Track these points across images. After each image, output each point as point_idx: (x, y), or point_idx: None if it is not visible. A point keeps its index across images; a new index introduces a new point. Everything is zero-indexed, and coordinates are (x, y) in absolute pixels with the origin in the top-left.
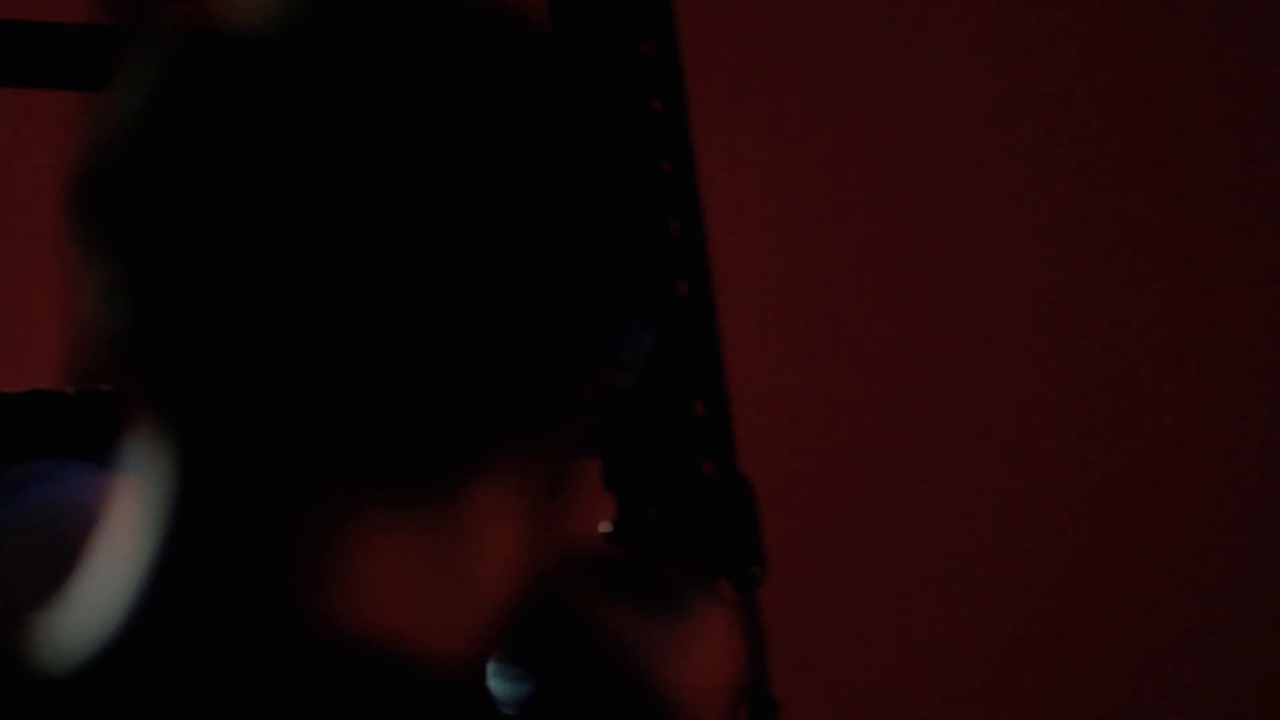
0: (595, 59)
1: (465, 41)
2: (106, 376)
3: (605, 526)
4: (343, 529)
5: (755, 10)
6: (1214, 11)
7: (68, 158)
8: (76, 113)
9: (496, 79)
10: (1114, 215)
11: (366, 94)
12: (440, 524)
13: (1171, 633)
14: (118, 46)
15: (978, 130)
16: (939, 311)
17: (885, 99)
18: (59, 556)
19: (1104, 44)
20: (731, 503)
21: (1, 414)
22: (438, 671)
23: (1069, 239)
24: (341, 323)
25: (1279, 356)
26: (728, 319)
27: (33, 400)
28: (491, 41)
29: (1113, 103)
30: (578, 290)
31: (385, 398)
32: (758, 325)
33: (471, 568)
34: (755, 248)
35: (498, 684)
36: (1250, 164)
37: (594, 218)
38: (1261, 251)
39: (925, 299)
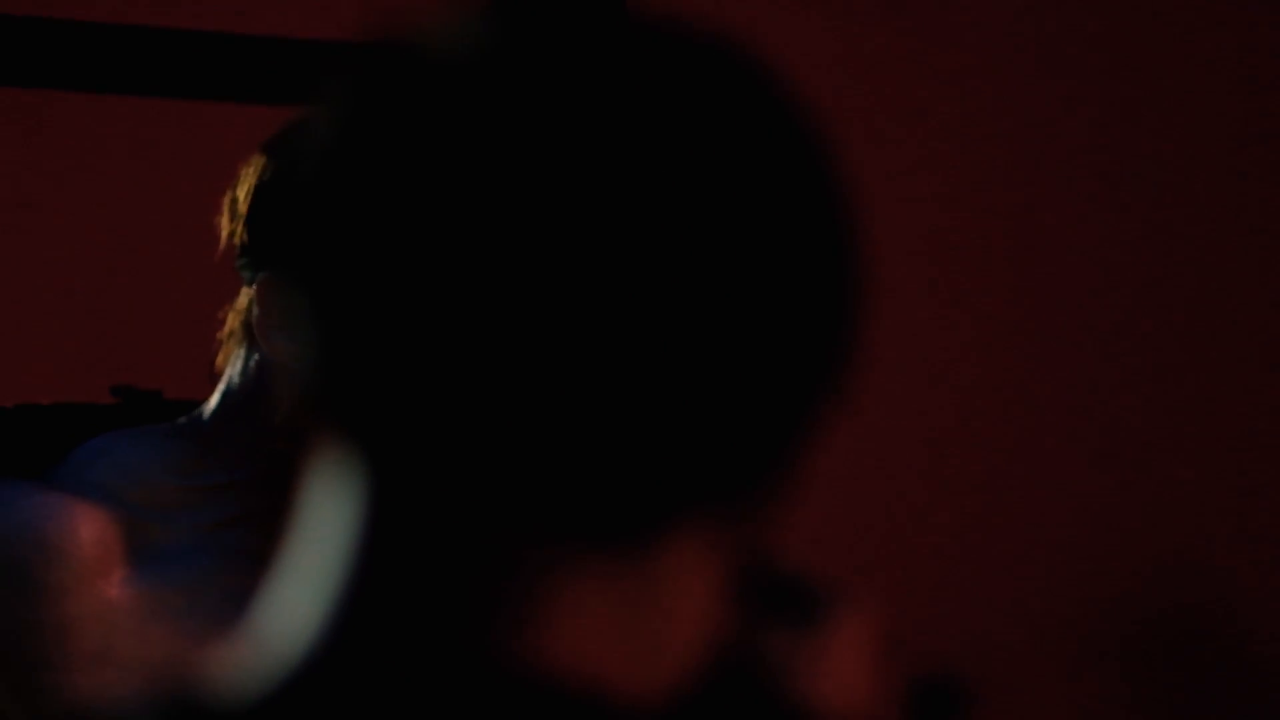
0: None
1: (662, 75)
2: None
3: None
4: (545, 574)
5: None
6: None
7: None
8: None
9: (712, 112)
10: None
11: (570, 127)
12: (638, 571)
13: None
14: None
15: None
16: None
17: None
18: (9, 583)
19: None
20: None
21: None
22: (631, 714)
23: None
24: (557, 372)
25: None
26: None
27: None
28: (697, 74)
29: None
30: (795, 348)
31: (599, 450)
32: None
33: (666, 614)
34: None
35: None
36: None
37: (815, 269)
38: None
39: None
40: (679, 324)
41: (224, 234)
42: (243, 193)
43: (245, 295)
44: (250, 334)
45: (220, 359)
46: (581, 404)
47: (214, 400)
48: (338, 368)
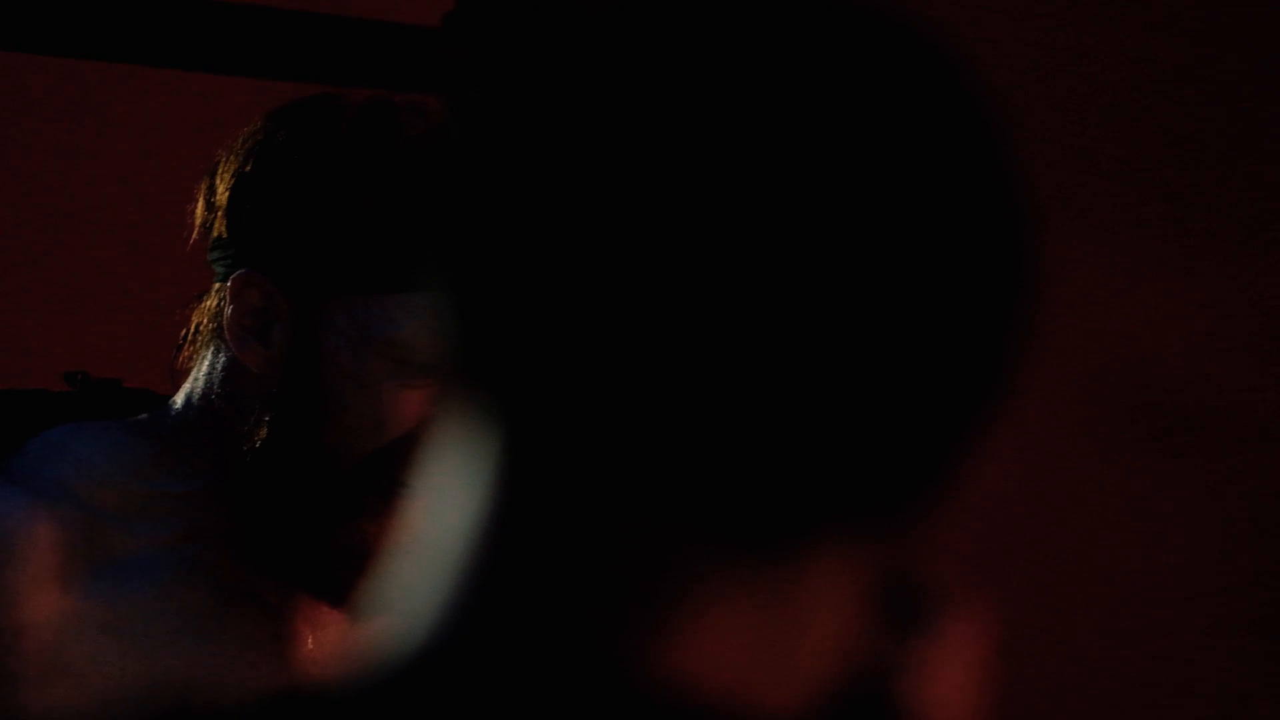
0: None
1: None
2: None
3: None
4: (686, 580)
5: None
6: None
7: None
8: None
9: (895, 103)
10: None
11: (737, 101)
12: (779, 582)
13: None
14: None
15: None
16: None
17: None
18: None
19: None
20: None
21: None
22: None
23: None
24: (712, 371)
25: None
26: None
27: None
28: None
29: None
30: (962, 354)
31: (751, 454)
32: None
33: (804, 627)
34: None
35: None
36: None
37: (985, 270)
38: None
39: None
40: (844, 325)
41: (196, 223)
42: (222, 181)
43: (215, 292)
44: (218, 334)
45: (183, 358)
46: (736, 405)
47: (179, 401)
48: (482, 355)
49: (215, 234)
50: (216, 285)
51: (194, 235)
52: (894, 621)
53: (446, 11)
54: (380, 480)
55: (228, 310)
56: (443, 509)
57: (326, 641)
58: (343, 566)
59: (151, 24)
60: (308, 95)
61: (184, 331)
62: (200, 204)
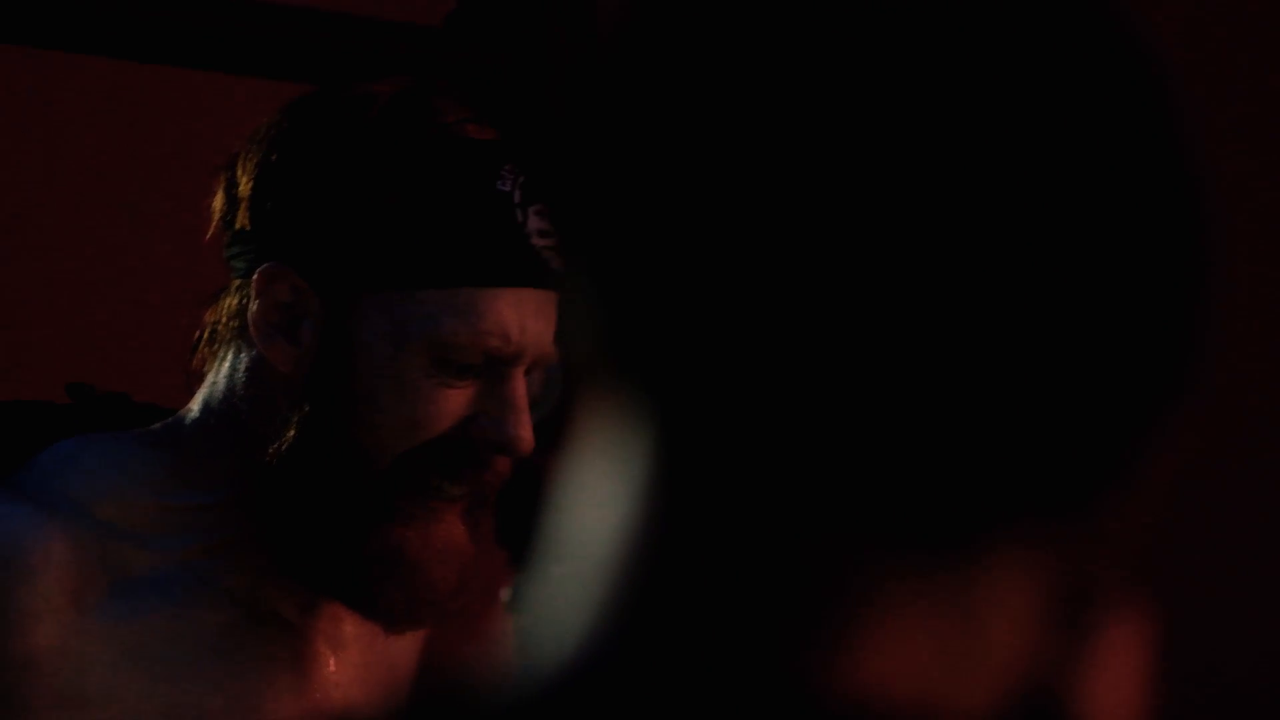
0: None
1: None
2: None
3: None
4: (864, 587)
5: None
6: None
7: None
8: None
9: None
10: None
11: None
12: (963, 585)
13: None
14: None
15: None
16: None
17: None
18: None
19: None
20: None
21: None
22: None
23: None
24: (891, 363)
25: None
26: None
27: None
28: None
29: None
30: (1145, 348)
31: (933, 450)
32: None
33: (985, 630)
34: None
35: None
36: None
37: (1170, 262)
38: None
39: None
40: (1026, 321)
41: (215, 217)
42: (245, 173)
43: (236, 290)
44: (240, 333)
45: (198, 360)
46: (914, 402)
47: (194, 408)
48: (637, 347)
49: (238, 227)
50: (237, 282)
51: (212, 229)
52: (1068, 622)
53: (449, 12)
54: (414, 483)
55: (253, 306)
56: (596, 511)
57: (348, 662)
58: (376, 574)
59: (152, 20)
60: (330, 86)
61: (198, 333)
62: (220, 196)
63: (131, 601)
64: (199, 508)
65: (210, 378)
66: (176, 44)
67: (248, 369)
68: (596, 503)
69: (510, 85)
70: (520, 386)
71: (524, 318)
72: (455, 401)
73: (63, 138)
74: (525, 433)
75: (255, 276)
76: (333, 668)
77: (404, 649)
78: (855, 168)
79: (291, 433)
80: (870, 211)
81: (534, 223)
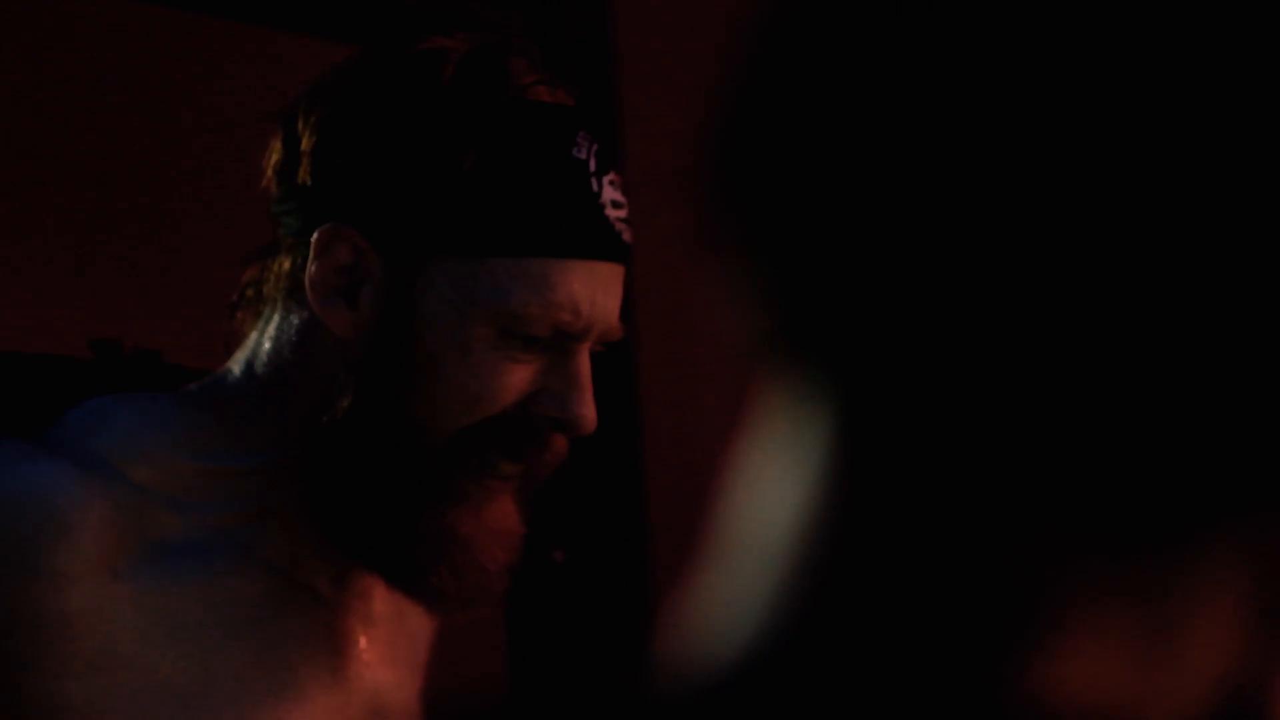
0: None
1: None
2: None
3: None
4: (1061, 589)
5: None
6: None
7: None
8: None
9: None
10: None
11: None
12: (1162, 589)
13: None
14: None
15: None
16: None
17: None
18: (6, 561)
19: None
20: None
21: None
22: None
23: None
24: (1095, 354)
25: None
26: None
27: None
28: None
29: None
30: None
31: (1135, 448)
32: None
33: (1188, 639)
34: None
35: None
36: None
37: None
38: None
39: None
40: (1230, 312)
41: (270, 170)
42: (308, 125)
43: (288, 248)
44: (291, 293)
45: (238, 320)
46: (1117, 394)
47: (235, 368)
48: (820, 327)
49: (298, 180)
50: (288, 240)
51: (266, 181)
52: (1269, 628)
53: None
54: (472, 460)
55: (311, 267)
56: (771, 500)
57: (378, 640)
58: (428, 553)
59: None
60: (397, 40)
61: (239, 291)
62: (276, 149)
63: (166, 567)
64: (239, 472)
65: (253, 338)
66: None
67: (298, 331)
68: (774, 493)
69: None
70: (586, 363)
71: (594, 291)
72: (519, 376)
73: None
74: (589, 411)
75: (316, 236)
76: (364, 645)
77: (424, 628)
78: (1048, 152)
79: (347, 400)
80: (1072, 195)
81: (608, 193)
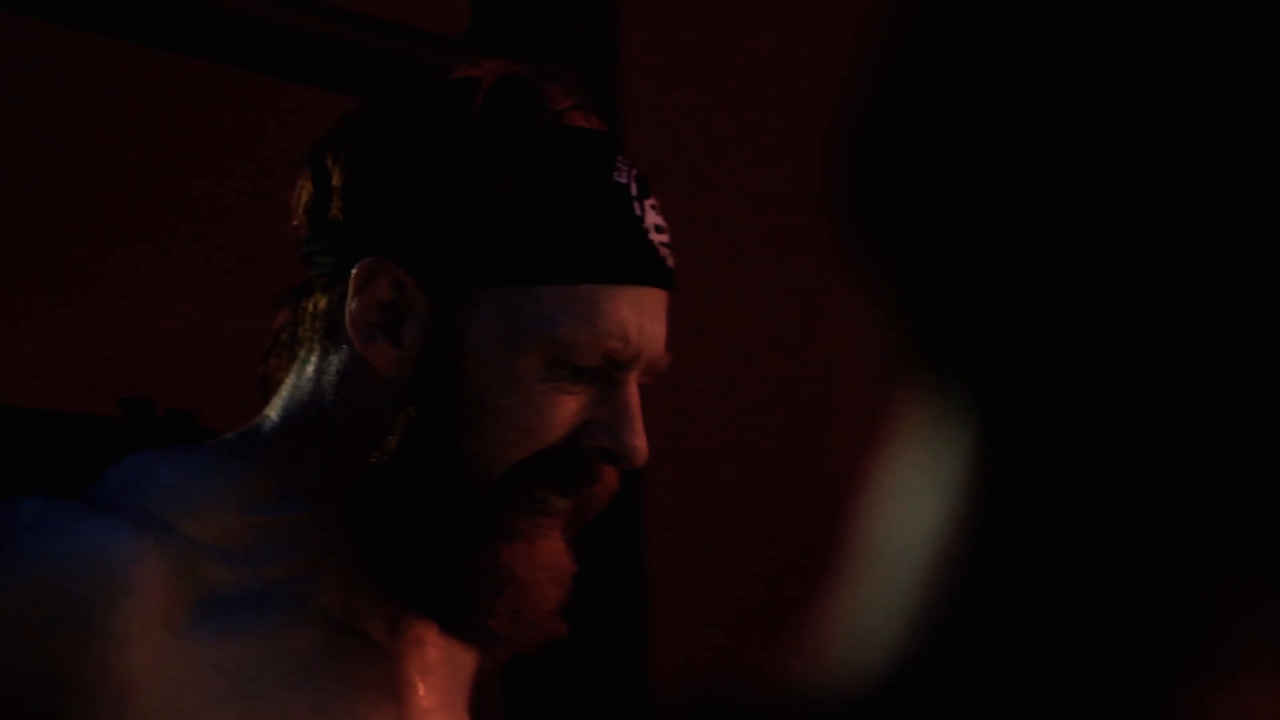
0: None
1: None
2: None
3: None
4: (1221, 625)
5: None
6: None
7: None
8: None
9: None
10: None
11: None
12: None
13: None
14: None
15: None
16: None
17: None
18: (66, 622)
19: None
20: None
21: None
22: None
23: None
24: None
25: None
26: None
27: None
28: None
29: None
30: None
31: None
32: None
33: None
34: None
35: None
36: None
37: None
38: None
39: None
40: None
41: (300, 209)
42: (338, 161)
43: (323, 288)
44: (329, 333)
45: (272, 365)
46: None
47: (273, 414)
48: (959, 342)
49: (330, 217)
50: (322, 280)
51: (297, 221)
52: None
53: (464, 27)
54: (523, 496)
55: (351, 304)
56: (910, 519)
57: (435, 688)
58: (482, 595)
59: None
60: (421, 73)
61: (273, 336)
62: (307, 187)
63: (223, 621)
64: (287, 521)
65: (290, 382)
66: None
67: (339, 371)
68: (915, 507)
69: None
70: (635, 392)
71: (642, 318)
72: (568, 408)
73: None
74: (641, 442)
75: (355, 271)
76: (422, 693)
77: (470, 671)
78: (1206, 163)
79: (394, 440)
80: (1238, 200)
81: (650, 217)
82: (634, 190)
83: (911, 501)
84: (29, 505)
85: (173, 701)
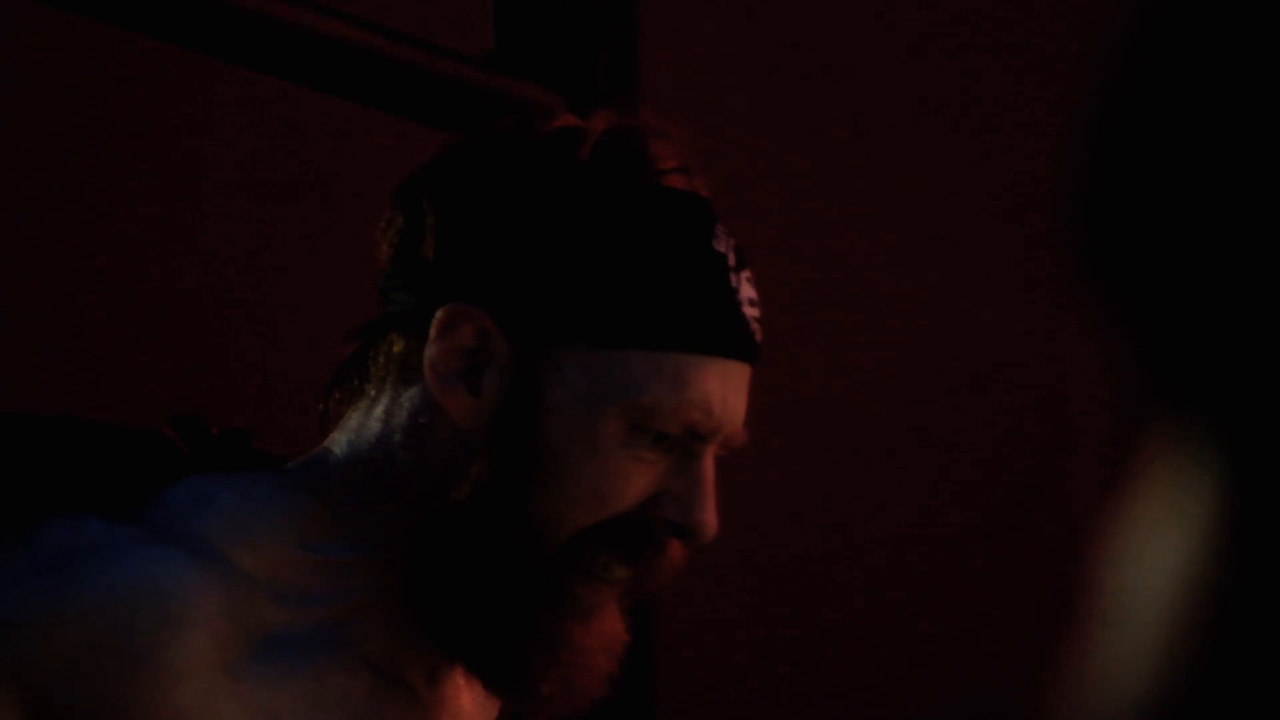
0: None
1: None
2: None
3: None
4: None
5: None
6: None
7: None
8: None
9: None
10: None
11: None
12: None
13: None
14: None
15: None
16: None
17: None
18: (122, 654)
19: None
20: None
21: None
22: None
23: None
24: None
25: None
26: None
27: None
28: None
29: None
30: None
31: None
32: None
33: None
34: None
35: None
36: None
37: None
38: None
39: None
40: None
41: (388, 242)
42: (434, 197)
43: (401, 327)
44: (402, 374)
45: (337, 398)
46: None
47: (336, 451)
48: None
49: (419, 255)
50: (400, 318)
51: (384, 253)
52: None
53: (487, 52)
54: (588, 562)
55: (432, 348)
56: (1157, 563)
57: None
58: (539, 660)
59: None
60: (525, 114)
61: (340, 369)
62: (398, 220)
63: (273, 662)
64: (343, 563)
65: (356, 419)
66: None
67: (409, 415)
68: (1162, 551)
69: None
70: (710, 466)
71: (727, 391)
72: (645, 476)
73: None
74: (712, 519)
75: (440, 315)
76: None
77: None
78: None
79: (464, 492)
80: None
81: (745, 290)
82: (731, 260)
83: (1158, 546)
84: (94, 528)
85: None
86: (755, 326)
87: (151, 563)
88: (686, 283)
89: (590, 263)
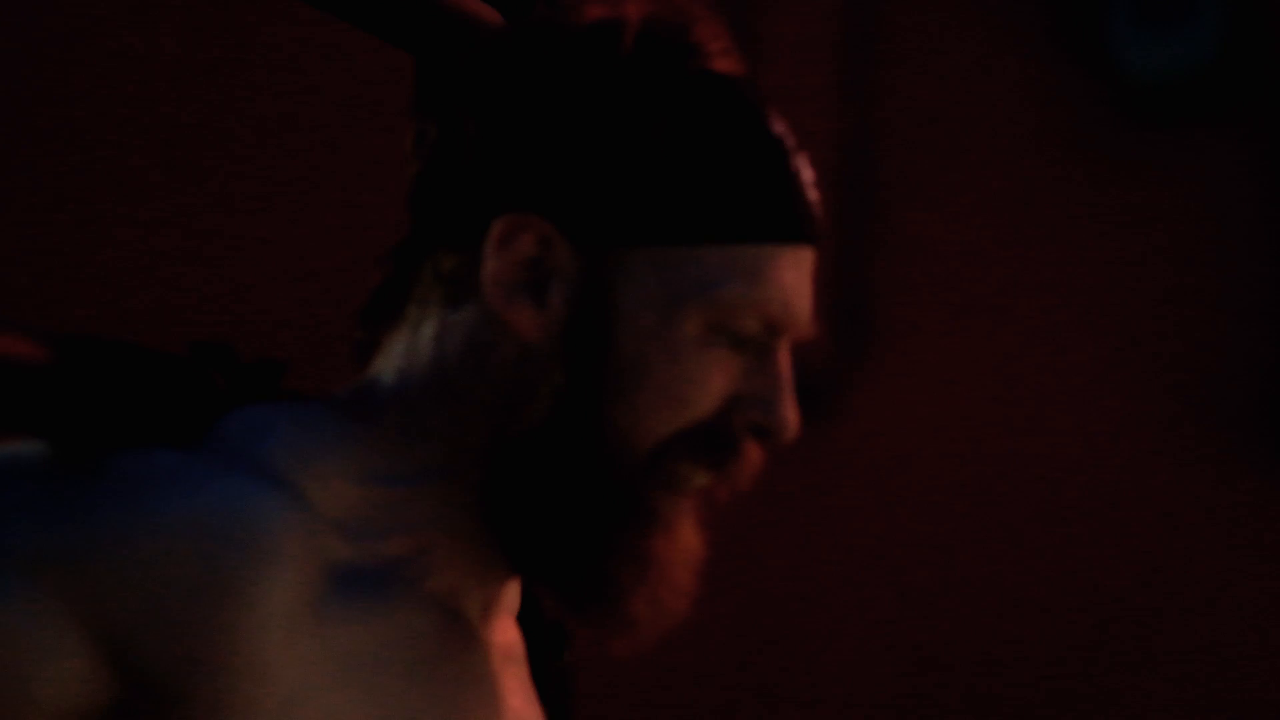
0: None
1: None
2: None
3: None
4: None
5: None
6: None
7: None
8: None
9: None
10: None
11: None
12: None
13: None
14: None
15: None
16: None
17: None
18: (203, 587)
19: None
20: None
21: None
22: None
23: None
24: None
25: None
26: None
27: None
28: None
29: None
30: None
31: None
32: None
33: None
34: None
35: None
36: None
37: None
38: None
39: None
40: None
41: (424, 152)
42: (470, 105)
43: (447, 243)
44: (454, 293)
45: (376, 323)
46: None
47: (386, 378)
48: None
49: (462, 168)
50: (445, 235)
51: (418, 167)
52: None
53: None
54: (668, 473)
55: (490, 262)
56: None
57: (518, 677)
58: (626, 579)
59: None
60: (552, 9)
61: (376, 294)
62: (430, 132)
63: (346, 600)
64: (405, 496)
65: (403, 344)
66: None
67: (467, 335)
68: None
69: None
70: (788, 362)
71: (801, 281)
72: (723, 378)
73: None
74: (795, 415)
75: (497, 226)
76: (514, 686)
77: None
78: None
79: (539, 410)
80: None
81: (806, 172)
82: (790, 142)
83: None
84: (166, 458)
85: (300, 685)
86: (819, 210)
87: (234, 492)
88: (755, 170)
89: (652, 158)
